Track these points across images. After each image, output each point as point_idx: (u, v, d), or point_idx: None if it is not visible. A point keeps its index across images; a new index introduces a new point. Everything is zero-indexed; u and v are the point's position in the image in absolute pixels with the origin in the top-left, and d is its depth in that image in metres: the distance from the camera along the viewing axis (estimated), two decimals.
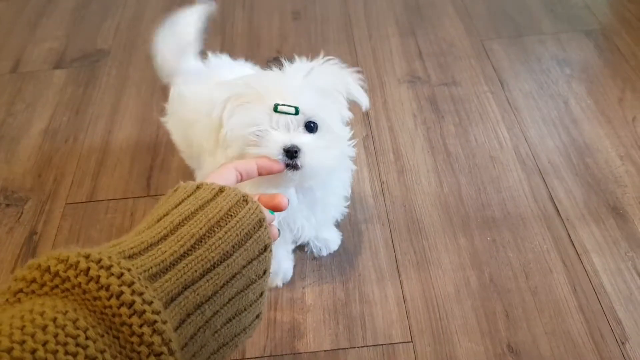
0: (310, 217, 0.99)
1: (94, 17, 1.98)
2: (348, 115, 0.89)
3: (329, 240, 1.20)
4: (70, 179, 1.42)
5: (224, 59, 1.14)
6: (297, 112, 0.75)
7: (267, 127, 0.77)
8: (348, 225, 1.28)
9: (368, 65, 1.71)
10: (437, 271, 1.18)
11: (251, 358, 1.07)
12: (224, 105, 0.81)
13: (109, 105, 1.63)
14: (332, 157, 0.83)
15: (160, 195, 1.31)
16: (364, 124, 1.52)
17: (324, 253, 1.21)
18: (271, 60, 1.75)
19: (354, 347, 1.07)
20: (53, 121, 1.59)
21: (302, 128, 0.79)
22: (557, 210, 1.27)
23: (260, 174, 0.65)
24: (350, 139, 0.92)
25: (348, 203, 1.09)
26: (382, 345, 1.07)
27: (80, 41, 1.88)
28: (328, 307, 1.13)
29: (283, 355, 1.07)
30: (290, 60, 0.88)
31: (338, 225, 1.26)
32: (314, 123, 0.79)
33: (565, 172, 1.35)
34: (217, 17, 1.94)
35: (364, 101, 0.91)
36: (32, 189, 1.40)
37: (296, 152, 0.75)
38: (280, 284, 1.15)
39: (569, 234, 1.23)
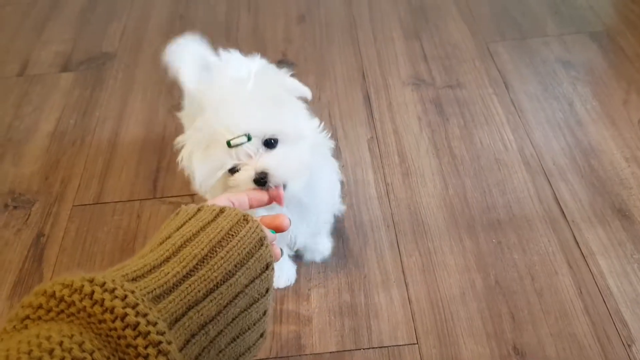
0: (301, 225, 0.99)
1: (100, 20, 2.00)
2: (302, 108, 0.89)
3: (320, 246, 1.21)
4: (77, 182, 1.43)
5: (235, 54, 1.14)
6: (249, 138, 0.75)
7: (231, 164, 0.77)
8: (353, 227, 1.28)
9: (373, 68, 1.72)
10: (443, 273, 1.18)
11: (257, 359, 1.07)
12: (190, 159, 0.81)
13: (116, 107, 1.64)
14: (301, 161, 0.82)
15: (167, 197, 1.32)
16: (369, 126, 1.53)
17: (317, 259, 1.21)
18: (276, 63, 1.76)
19: (360, 349, 1.07)
20: (60, 124, 1.60)
21: (262, 149, 0.78)
22: (563, 212, 1.27)
23: (251, 206, 0.66)
24: (321, 130, 0.91)
25: (340, 200, 1.08)
26: (387, 347, 1.07)
27: (86, 44, 1.89)
28: (334, 309, 1.14)
29: (289, 357, 1.07)
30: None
31: (335, 228, 1.27)
32: (272, 139, 0.78)
33: (571, 174, 1.36)
34: (222, 20, 1.95)
35: (307, 93, 0.90)
36: (40, 191, 1.41)
37: (265, 176, 0.75)
38: (282, 285, 1.16)
39: (574, 235, 1.23)
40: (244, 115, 0.77)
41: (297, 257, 1.22)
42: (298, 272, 1.20)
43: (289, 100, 0.86)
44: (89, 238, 1.30)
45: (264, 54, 1.77)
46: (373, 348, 1.07)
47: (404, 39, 1.83)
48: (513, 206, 1.30)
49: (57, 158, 1.50)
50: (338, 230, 1.28)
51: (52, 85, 1.74)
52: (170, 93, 1.66)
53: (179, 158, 0.84)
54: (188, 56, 1.09)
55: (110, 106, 1.65)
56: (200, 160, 0.79)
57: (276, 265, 1.00)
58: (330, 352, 1.07)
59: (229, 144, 0.74)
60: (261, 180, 0.75)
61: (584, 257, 1.19)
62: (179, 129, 1.15)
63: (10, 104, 1.68)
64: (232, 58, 1.11)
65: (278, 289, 1.17)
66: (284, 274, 1.16)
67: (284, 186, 0.78)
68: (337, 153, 1.45)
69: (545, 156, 1.41)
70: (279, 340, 1.10)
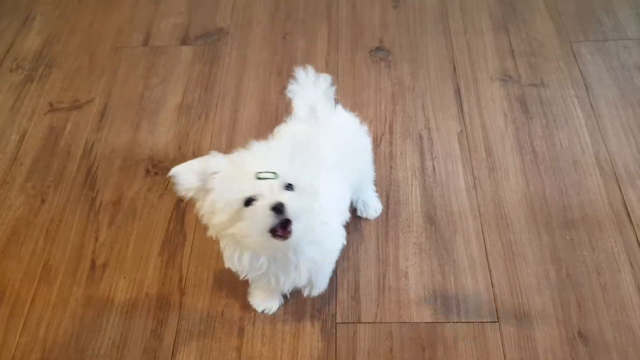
0: (281, 278, 1.09)
1: None
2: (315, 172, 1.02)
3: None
4: (206, 154, 1.66)
5: (340, 109, 1.27)
6: (276, 176, 0.89)
7: (252, 192, 0.89)
8: (444, 216, 1.50)
9: (463, 60, 1.88)
10: (522, 263, 1.40)
11: (365, 322, 1.32)
12: (213, 175, 0.95)
13: (233, 85, 1.85)
14: (311, 207, 0.96)
15: None
16: (459, 120, 1.71)
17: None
18: (374, 50, 1.94)
19: (450, 322, 1.32)
20: (186, 97, 1.83)
21: (281, 189, 0.91)
22: (629, 217, 1.46)
23: None
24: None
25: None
26: (473, 322, 1.31)
27: (201, 18, 2.09)
28: (428, 286, 1.38)
29: (391, 323, 1.32)
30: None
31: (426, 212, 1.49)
32: (291, 185, 0.92)
33: None
34: (322, 2, 2.11)
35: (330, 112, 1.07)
36: (175, 160, 1.66)
37: (282, 206, 0.87)
38: (261, 311, 1.34)
39: (637, 238, 1.42)
40: (275, 159, 0.94)
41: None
42: (395, 250, 1.43)
43: (309, 158, 1.00)
44: None
45: (362, 39, 1.96)
46: (460, 322, 1.31)
47: (492, 32, 1.97)
48: (586, 207, 1.49)
49: (187, 130, 1.74)
50: (430, 217, 1.49)
51: (174, 57, 1.96)
52: (280, 74, 1.87)
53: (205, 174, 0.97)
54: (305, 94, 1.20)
55: (228, 83, 1.86)
56: (225, 187, 0.92)
57: (261, 294, 1.29)
58: (426, 323, 1.32)
59: (257, 175, 0.89)
60: (278, 208, 0.87)
61: None
62: (290, 111, 1.28)
63: (140, 74, 1.91)
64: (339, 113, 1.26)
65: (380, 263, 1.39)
66: (264, 303, 1.33)
67: (291, 224, 0.91)
68: (429, 144, 1.65)
69: (617, 161, 1.58)
70: (382, 309, 1.34)
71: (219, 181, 0.94)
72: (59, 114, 1.82)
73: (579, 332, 1.28)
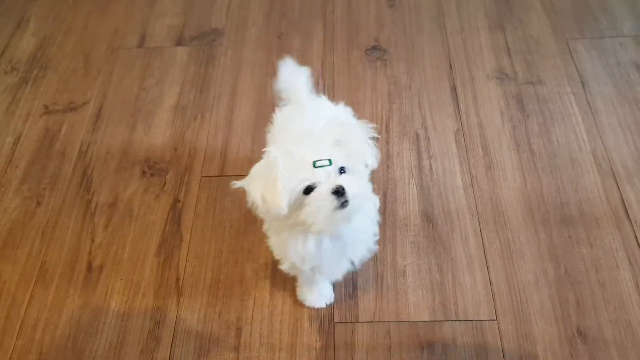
0: (341, 261, 1.15)
1: None
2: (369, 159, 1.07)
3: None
4: (202, 155, 1.66)
5: (324, 100, 1.33)
6: (330, 162, 0.96)
7: (312, 180, 0.95)
8: (442, 214, 1.50)
9: (460, 59, 1.88)
10: (520, 261, 1.40)
11: (363, 322, 1.32)
12: (279, 165, 0.97)
13: (229, 85, 1.85)
14: (365, 186, 1.03)
15: None
16: (455, 118, 1.71)
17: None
18: (369, 49, 1.94)
19: (448, 321, 1.31)
20: (181, 98, 1.82)
21: (337, 174, 0.98)
22: (627, 213, 1.46)
23: None
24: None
25: (375, 239, 1.20)
26: (471, 321, 1.31)
27: (196, 18, 2.09)
28: (425, 285, 1.37)
29: (389, 322, 1.32)
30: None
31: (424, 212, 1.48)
32: (343, 168, 0.99)
33: (637, 177, 1.53)
34: (317, 1, 2.11)
35: (371, 162, 1.07)
36: (171, 161, 1.65)
37: (342, 189, 0.94)
38: (323, 305, 1.35)
39: (636, 235, 1.42)
40: (325, 146, 0.99)
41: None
42: (393, 249, 1.43)
43: (358, 150, 1.06)
44: (218, 206, 1.54)
45: (358, 37, 1.96)
46: (459, 321, 1.31)
47: (488, 30, 1.97)
48: (584, 204, 1.49)
49: (182, 131, 1.73)
50: (428, 216, 1.49)
51: (170, 58, 1.95)
52: (276, 75, 1.86)
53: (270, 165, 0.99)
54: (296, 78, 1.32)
55: (223, 83, 1.86)
56: (287, 177, 0.96)
57: (316, 290, 1.29)
58: (424, 321, 1.31)
59: (314, 163, 0.95)
60: (339, 192, 0.94)
61: None
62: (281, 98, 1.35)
63: (135, 75, 1.91)
64: (321, 102, 1.31)
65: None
66: (323, 296, 1.34)
67: (348, 202, 0.97)
68: (426, 143, 1.65)
69: (615, 158, 1.58)
70: (381, 307, 1.34)
71: (284, 172, 0.97)
72: (54, 116, 1.81)
73: (578, 329, 1.28)
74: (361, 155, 1.04)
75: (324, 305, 1.35)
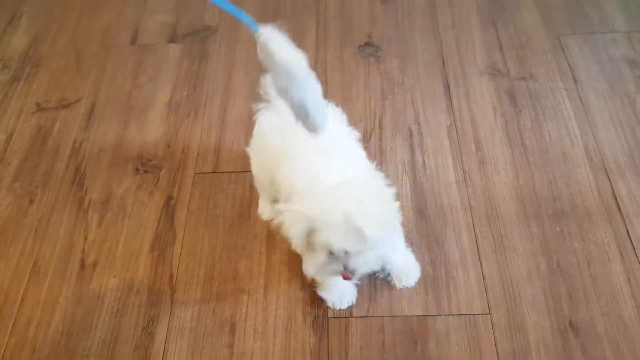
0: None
1: None
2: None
3: (407, 269, 1.35)
4: (195, 151, 1.66)
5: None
6: (362, 247, 0.99)
7: (334, 250, 0.99)
8: (435, 209, 1.50)
9: (452, 55, 1.88)
10: (512, 255, 1.40)
11: (357, 317, 1.32)
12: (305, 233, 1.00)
13: (222, 82, 1.85)
14: (381, 257, 1.09)
15: None
16: (448, 114, 1.71)
17: (399, 285, 1.35)
18: (362, 45, 1.94)
19: (441, 315, 1.32)
20: (174, 95, 1.82)
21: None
22: (619, 207, 1.47)
23: None
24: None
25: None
26: (464, 315, 1.31)
27: (189, 15, 2.08)
28: (419, 280, 1.37)
29: (383, 316, 1.32)
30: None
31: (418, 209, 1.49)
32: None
33: (629, 172, 1.54)
34: None
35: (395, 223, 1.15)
36: (165, 158, 1.65)
37: (354, 272, 1.03)
38: (344, 307, 1.34)
39: (627, 229, 1.43)
40: (363, 219, 0.96)
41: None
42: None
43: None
44: (211, 203, 1.54)
45: (351, 34, 1.96)
46: (452, 315, 1.31)
47: (480, 26, 1.97)
48: (575, 198, 1.50)
49: (176, 128, 1.73)
50: (421, 211, 1.50)
51: (162, 55, 1.95)
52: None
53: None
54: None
55: (217, 80, 1.86)
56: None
57: (338, 290, 1.29)
58: (417, 316, 1.32)
59: (344, 250, 0.99)
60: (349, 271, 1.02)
61: (634, 249, 1.39)
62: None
63: (128, 72, 1.90)
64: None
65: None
66: (346, 297, 1.33)
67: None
68: (419, 139, 1.66)
69: (607, 153, 1.58)
70: (375, 303, 1.34)
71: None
72: (46, 113, 1.80)
73: (570, 322, 1.29)
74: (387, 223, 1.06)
75: (345, 307, 1.33)
